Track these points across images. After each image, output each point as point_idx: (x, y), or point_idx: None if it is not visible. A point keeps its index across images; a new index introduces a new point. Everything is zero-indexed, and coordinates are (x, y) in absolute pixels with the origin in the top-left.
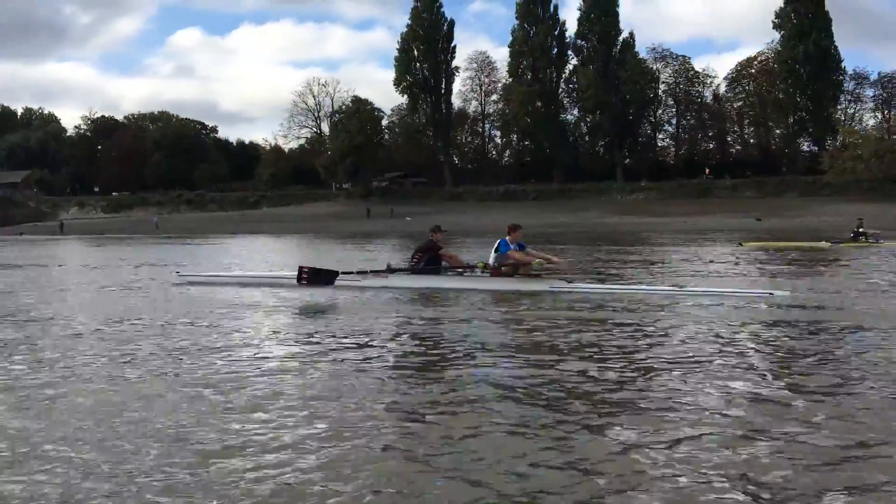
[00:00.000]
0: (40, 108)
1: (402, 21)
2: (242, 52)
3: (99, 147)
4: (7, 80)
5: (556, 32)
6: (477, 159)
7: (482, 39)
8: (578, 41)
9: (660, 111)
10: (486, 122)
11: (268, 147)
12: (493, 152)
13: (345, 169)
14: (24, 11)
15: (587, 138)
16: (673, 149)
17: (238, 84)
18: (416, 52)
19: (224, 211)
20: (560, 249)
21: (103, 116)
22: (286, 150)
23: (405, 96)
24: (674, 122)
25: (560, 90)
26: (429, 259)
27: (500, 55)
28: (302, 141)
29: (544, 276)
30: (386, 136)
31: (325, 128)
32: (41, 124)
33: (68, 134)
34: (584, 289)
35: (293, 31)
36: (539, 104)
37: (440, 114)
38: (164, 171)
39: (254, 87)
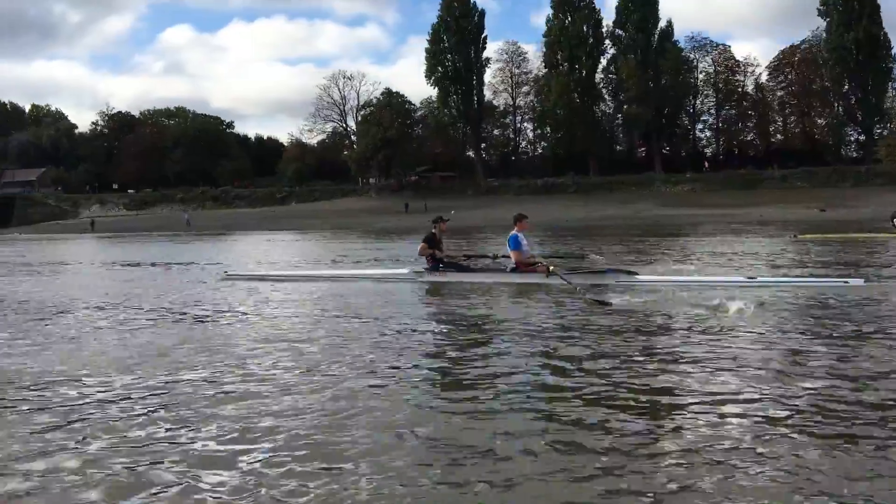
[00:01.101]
0: (48, 105)
1: (393, 17)
2: (233, 49)
3: (116, 144)
4: None
5: (592, 21)
6: (506, 152)
7: None
8: (617, 30)
9: (698, 101)
10: (517, 114)
11: (290, 142)
12: (524, 145)
13: (378, 163)
14: (15, 10)
15: (623, 130)
16: (712, 139)
17: (229, 81)
18: (446, 44)
19: (252, 207)
20: (619, 241)
21: (119, 112)
22: (308, 146)
23: (435, 88)
24: (713, 111)
25: (598, 81)
26: (433, 253)
27: (499, 48)
28: (323, 136)
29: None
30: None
31: (351, 122)
32: (52, 121)
33: (78, 131)
34: (651, 280)
35: (284, 27)
36: (575, 95)
37: (471, 106)
38: (186, 168)
39: (245, 84)
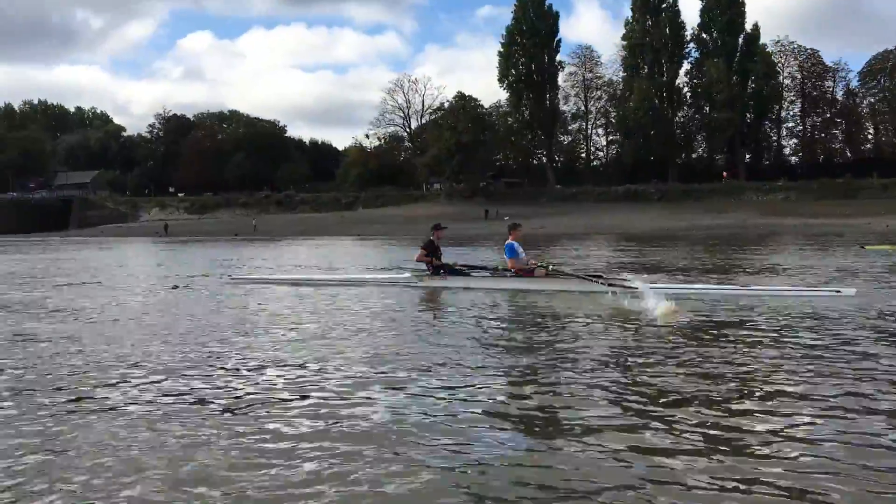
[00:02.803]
0: (93, 108)
1: (411, 25)
2: (252, 55)
3: (165, 147)
4: (21, 82)
5: (674, 24)
6: (574, 158)
7: (491, 42)
8: (702, 34)
9: (784, 107)
10: (588, 119)
11: (353, 147)
12: (596, 151)
13: (452, 168)
14: (38, 16)
15: (704, 136)
16: (798, 147)
17: (247, 87)
18: (519, 47)
19: (317, 212)
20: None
21: (175, 115)
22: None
23: (507, 93)
24: (797, 118)
25: (681, 86)
26: (431, 253)
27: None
28: (378, 141)
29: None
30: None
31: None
32: (101, 124)
33: (126, 134)
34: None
35: (303, 34)
36: (656, 100)
37: (543, 111)
38: (245, 172)
39: (263, 90)
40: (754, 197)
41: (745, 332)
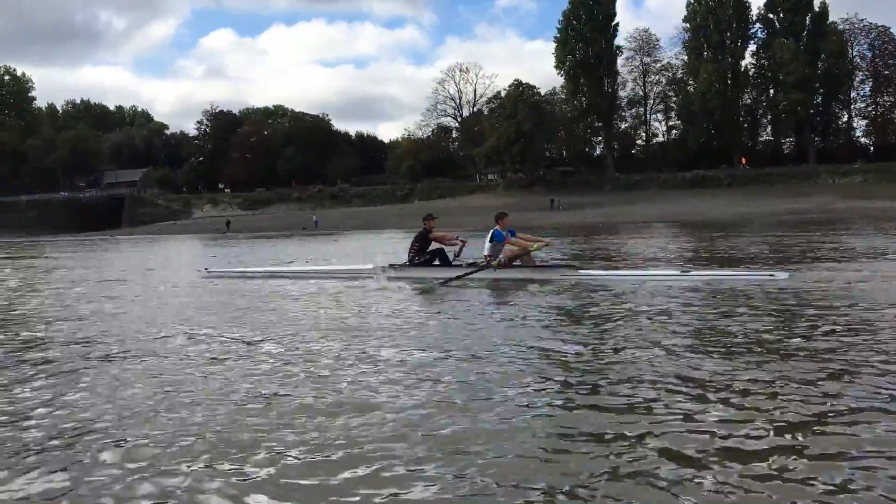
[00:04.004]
0: (133, 106)
1: (430, 18)
2: (273, 52)
3: (213, 144)
4: (47, 84)
5: (739, 4)
6: (631, 145)
7: (511, 34)
8: (768, 14)
9: (854, 86)
10: (647, 105)
11: (403, 138)
12: (654, 137)
13: (512, 157)
14: (62, 18)
15: (771, 120)
16: (869, 129)
17: (268, 84)
18: (576, 32)
19: (372, 206)
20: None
21: (222, 111)
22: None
23: (565, 79)
24: (868, 98)
25: (747, 67)
26: (420, 247)
27: (534, 48)
28: (427, 133)
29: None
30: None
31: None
32: (144, 122)
33: (169, 131)
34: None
35: (324, 30)
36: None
37: (603, 97)
38: (296, 166)
39: (284, 86)
40: (829, 180)
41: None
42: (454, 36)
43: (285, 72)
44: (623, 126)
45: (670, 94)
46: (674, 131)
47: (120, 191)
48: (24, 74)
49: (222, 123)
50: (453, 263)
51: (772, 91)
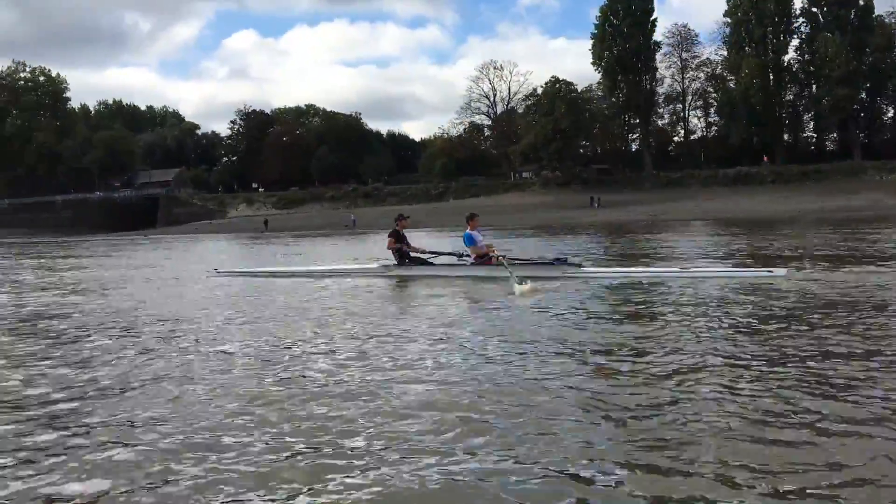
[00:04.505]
0: (164, 107)
1: (452, 18)
2: (295, 52)
3: (247, 144)
4: (73, 85)
5: None
6: (671, 141)
7: (533, 32)
8: (812, 8)
9: None
10: (685, 101)
11: (438, 137)
12: (691, 133)
13: (549, 155)
14: (89, 21)
15: (814, 115)
16: None
17: (290, 84)
18: (614, 28)
19: (406, 204)
20: None
21: (254, 111)
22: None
23: (602, 75)
24: None
25: (791, 62)
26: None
27: (557, 46)
28: (462, 131)
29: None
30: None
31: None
32: (175, 122)
33: (200, 131)
34: (594, 272)
35: (346, 30)
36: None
37: (641, 93)
38: (329, 165)
39: (306, 86)
40: (876, 177)
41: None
42: (476, 35)
43: (307, 72)
44: (661, 123)
45: (709, 90)
46: (713, 128)
47: (154, 190)
48: (58, 75)
49: (255, 123)
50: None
51: (814, 87)
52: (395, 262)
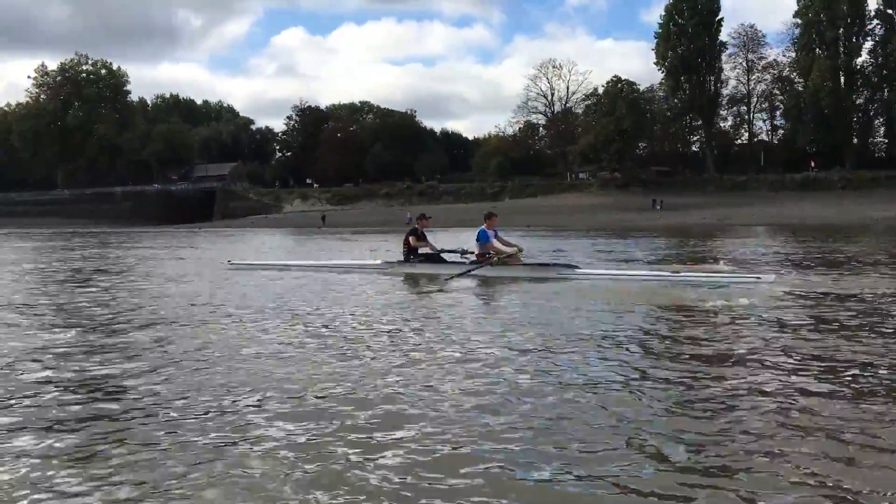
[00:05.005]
0: (219, 102)
1: (499, 17)
2: (343, 50)
3: (302, 139)
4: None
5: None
6: (732, 144)
7: (581, 32)
8: (887, 10)
9: None
10: (750, 103)
11: (494, 135)
12: (755, 136)
13: (610, 155)
14: (143, 17)
15: (885, 119)
16: None
17: (337, 82)
18: (679, 27)
19: (461, 203)
20: None
21: (310, 107)
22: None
23: (665, 76)
24: None
25: (864, 66)
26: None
27: (604, 47)
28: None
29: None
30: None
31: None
32: (230, 117)
33: (255, 126)
34: (588, 273)
35: (394, 28)
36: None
37: (705, 94)
38: (384, 162)
39: (353, 84)
40: None
41: None
42: (523, 34)
43: (354, 70)
44: (724, 125)
45: (776, 92)
46: (779, 131)
47: (210, 184)
48: (119, 68)
49: (310, 119)
50: (454, 261)
51: (886, 91)
52: (401, 260)
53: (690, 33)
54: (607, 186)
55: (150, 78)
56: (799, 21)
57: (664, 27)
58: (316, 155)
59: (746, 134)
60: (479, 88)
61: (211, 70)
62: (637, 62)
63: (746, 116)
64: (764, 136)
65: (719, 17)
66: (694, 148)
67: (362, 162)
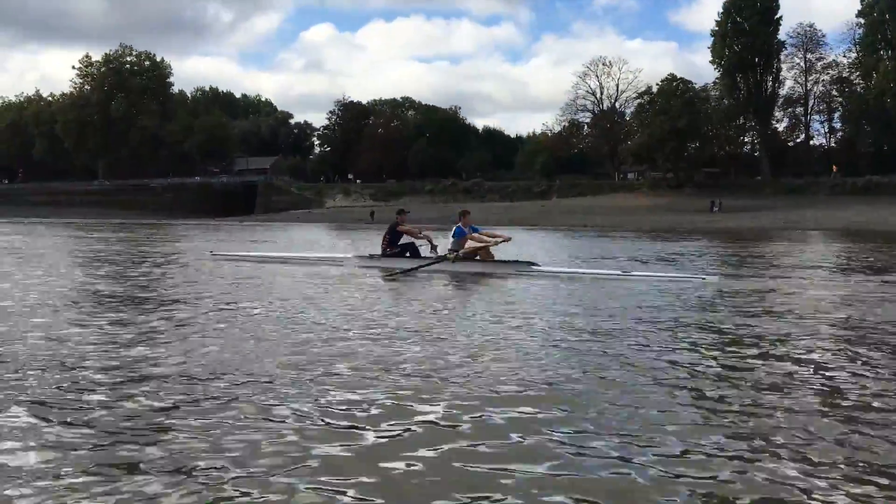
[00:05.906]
0: (258, 96)
1: (527, 16)
2: (371, 47)
3: (343, 134)
4: None
5: None
6: (787, 147)
7: (610, 32)
8: None
9: None
10: (808, 104)
11: (542, 133)
12: (811, 139)
13: (665, 155)
14: (173, 11)
15: None
16: None
17: (364, 78)
18: (737, 24)
19: (508, 201)
20: None
21: (352, 102)
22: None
23: (721, 74)
24: None
25: None
26: (390, 239)
27: (633, 47)
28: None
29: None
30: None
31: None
32: (269, 111)
33: (294, 121)
34: (547, 270)
35: (422, 26)
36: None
37: (762, 94)
38: (427, 159)
39: (380, 81)
40: None
41: None
42: (551, 33)
43: (381, 66)
44: (780, 127)
45: (835, 93)
46: (838, 133)
47: (251, 178)
48: (162, 60)
49: (352, 114)
50: (424, 257)
51: None
52: (372, 254)
53: (748, 31)
54: (659, 187)
55: (180, 71)
56: (862, 21)
57: (721, 24)
58: (357, 150)
59: (802, 136)
60: (506, 87)
61: (240, 64)
62: (667, 63)
63: (803, 118)
64: (821, 139)
65: (778, 15)
66: (745, 149)
67: (405, 158)
